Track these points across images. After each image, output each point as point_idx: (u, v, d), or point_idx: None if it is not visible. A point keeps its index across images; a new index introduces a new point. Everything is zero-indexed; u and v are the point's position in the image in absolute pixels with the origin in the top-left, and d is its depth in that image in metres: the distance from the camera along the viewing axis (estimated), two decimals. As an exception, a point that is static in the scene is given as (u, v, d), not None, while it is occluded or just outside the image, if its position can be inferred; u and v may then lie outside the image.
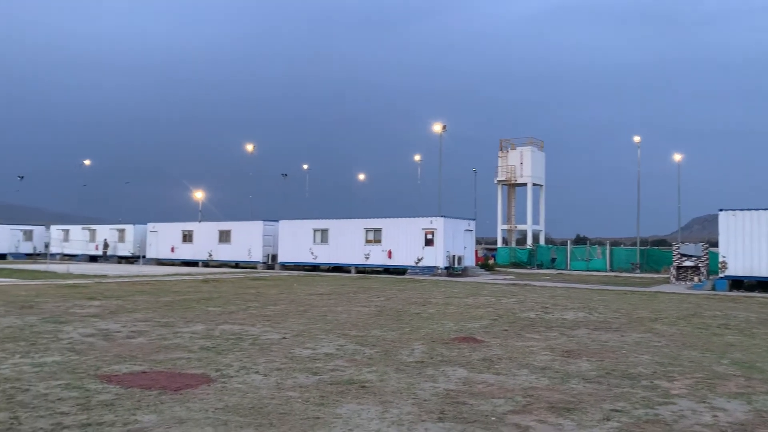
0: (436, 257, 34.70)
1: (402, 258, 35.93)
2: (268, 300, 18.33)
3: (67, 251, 52.92)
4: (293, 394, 6.80)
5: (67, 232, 55.10)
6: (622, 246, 55.80)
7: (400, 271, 36.31)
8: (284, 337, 10.91)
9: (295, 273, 36.97)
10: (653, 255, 45.08)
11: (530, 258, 49.40)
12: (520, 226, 59.00)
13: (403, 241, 35.92)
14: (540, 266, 47.70)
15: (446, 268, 34.52)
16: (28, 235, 57.07)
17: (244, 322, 12.90)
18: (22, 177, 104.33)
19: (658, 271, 41.30)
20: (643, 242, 57.29)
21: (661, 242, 78.33)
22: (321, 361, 8.79)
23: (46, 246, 55.37)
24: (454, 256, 34.82)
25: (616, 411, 6.41)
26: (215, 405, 6.27)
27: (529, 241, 56.20)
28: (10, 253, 53.85)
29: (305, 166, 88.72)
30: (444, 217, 35.42)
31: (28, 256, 54.53)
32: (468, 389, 7.27)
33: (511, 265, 48.01)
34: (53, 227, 57.82)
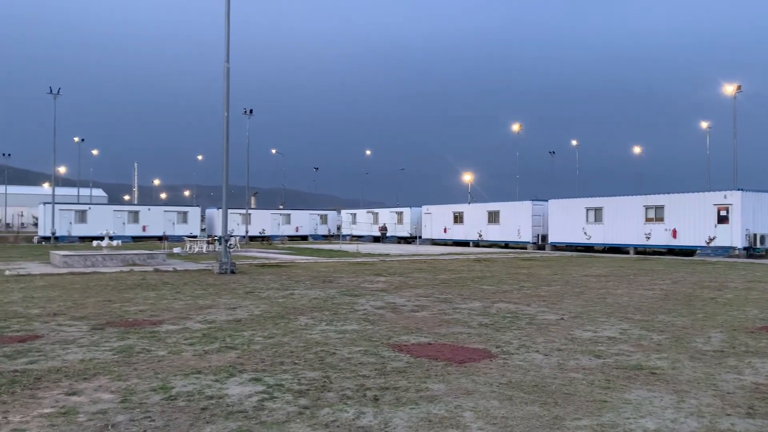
0: (731, 236, 30.77)
1: (689, 237, 32.60)
2: (541, 280, 18.15)
3: (354, 232, 58.96)
4: (576, 376, 6.62)
5: (354, 215, 61.32)
6: None
7: (686, 252, 33.02)
8: (562, 318, 10.69)
9: (567, 253, 35.97)
10: None
11: None
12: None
13: (691, 218, 32.53)
14: None
15: (745, 248, 30.39)
16: (324, 219, 64.84)
17: (519, 302, 12.95)
18: (317, 168, 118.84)
19: None
20: None
21: None
22: (603, 344, 8.41)
23: (338, 228, 62.45)
24: (755, 235, 30.48)
25: None
26: (499, 380, 6.40)
27: None
28: (310, 235, 61.79)
29: (574, 142, 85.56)
30: (741, 190, 31.17)
31: (324, 237, 62.00)
32: (784, 386, 6.31)
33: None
34: (343, 211, 64.93)
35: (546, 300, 13.30)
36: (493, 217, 44.87)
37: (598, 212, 37.55)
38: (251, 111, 56.74)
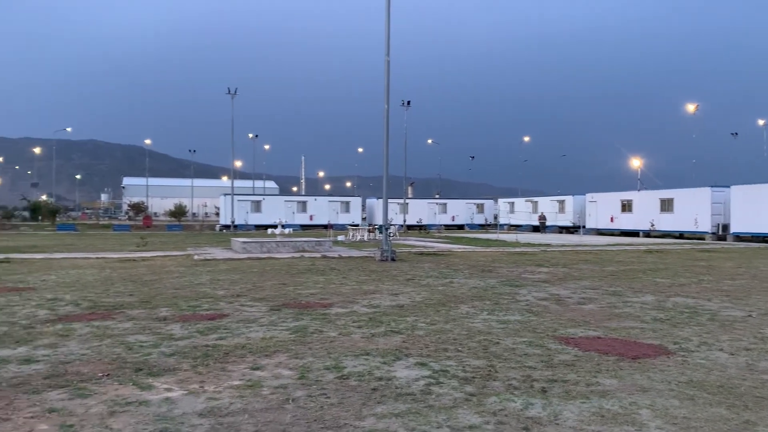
0: None
1: None
2: (723, 273, 16.61)
3: (512, 222, 57.88)
4: (770, 379, 5.99)
5: (512, 204, 60.19)
6: None
7: None
8: (750, 315, 9.71)
9: (753, 245, 32.56)
10: None
11: None
12: None
13: None
14: None
15: None
16: (480, 208, 64.46)
17: (698, 296, 11.96)
18: (473, 157, 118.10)
19: None
20: None
21: None
22: (802, 345, 7.52)
23: (495, 217, 61.68)
24: None
25: None
26: (678, 378, 5.97)
27: None
28: (467, 224, 61.70)
29: (761, 122, 77.11)
30: None
31: (481, 226, 61.59)
32: None
33: None
34: (500, 200, 63.94)
35: (729, 295, 12.16)
36: (666, 205, 41.74)
37: (791, 199, 33.51)
38: (408, 103, 57.73)
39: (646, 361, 6.64)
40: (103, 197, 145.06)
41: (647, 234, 42.84)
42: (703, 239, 37.86)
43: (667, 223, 41.65)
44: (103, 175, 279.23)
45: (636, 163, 68.30)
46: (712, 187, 39.05)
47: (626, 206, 45.35)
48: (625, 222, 45.27)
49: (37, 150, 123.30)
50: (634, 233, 44.00)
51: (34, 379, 5.86)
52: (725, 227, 37.75)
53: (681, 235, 40.95)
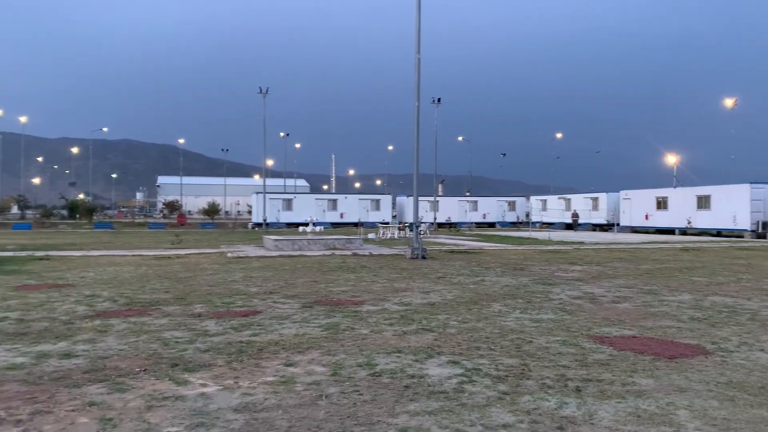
0: None
1: None
2: (763, 272, 16.19)
3: (545, 219, 57.27)
4: (814, 381, 5.82)
5: (544, 202, 59.56)
6: None
7: None
8: (792, 315, 9.45)
9: (795, 243, 31.64)
10: None
11: None
12: None
13: None
14: None
15: None
16: (512, 206, 63.91)
17: (737, 295, 11.68)
18: (504, 154, 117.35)
19: None
20: None
21: None
22: None
23: (527, 215, 61.08)
24: None
25: None
26: (717, 379, 5.85)
27: None
28: (498, 222, 61.22)
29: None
30: None
31: (512, 224, 61.06)
32: None
33: None
34: (533, 198, 63.34)
35: (771, 294, 11.85)
36: (703, 203, 40.84)
37: (835, 196, 32.47)
38: (439, 100, 57.56)
39: (683, 361, 6.52)
40: (139, 196, 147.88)
41: (683, 232, 41.97)
42: (742, 237, 36.95)
43: (704, 220, 40.75)
44: (138, 174, 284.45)
45: (671, 159, 66.97)
46: (751, 183, 38.08)
47: (661, 203, 44.51)
48: (661, 219, 44.44)
49: (74, 150, 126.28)
50: (669, 231, 43.15)
51: (74, 373, 6.01)
52: (765, 225, 36.78)
53: (718, 233, 40.04)
